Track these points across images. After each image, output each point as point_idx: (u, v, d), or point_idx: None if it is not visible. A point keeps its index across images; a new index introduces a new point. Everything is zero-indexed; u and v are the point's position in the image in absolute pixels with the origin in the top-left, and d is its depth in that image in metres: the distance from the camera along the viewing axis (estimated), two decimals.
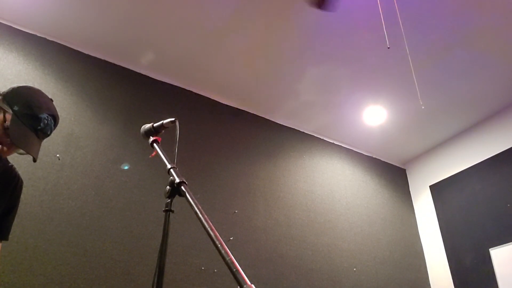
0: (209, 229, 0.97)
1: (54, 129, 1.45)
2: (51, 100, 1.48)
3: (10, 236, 1.53)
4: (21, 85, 1.43)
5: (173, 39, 3.16)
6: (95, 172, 2.82)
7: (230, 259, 0.87)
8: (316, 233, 3.60)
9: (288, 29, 3.09)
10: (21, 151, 1.35)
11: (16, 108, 1.33)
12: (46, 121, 1.38)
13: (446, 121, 4.08)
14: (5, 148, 1.34)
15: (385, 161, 4.66)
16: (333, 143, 4.32)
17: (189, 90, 3.60)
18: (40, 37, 3.05)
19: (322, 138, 4.27)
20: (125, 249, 2.67)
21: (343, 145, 4.37)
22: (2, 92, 1.38)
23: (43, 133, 1.39)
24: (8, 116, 1.32)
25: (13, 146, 1.34)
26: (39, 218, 2.47)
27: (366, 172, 4.38)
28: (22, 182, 1.56)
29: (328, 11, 2.79)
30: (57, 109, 1.49)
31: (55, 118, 1.44)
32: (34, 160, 1.35)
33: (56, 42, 3.10)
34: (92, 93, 3.09)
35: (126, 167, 2.95)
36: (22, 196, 1.57)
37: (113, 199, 2.79)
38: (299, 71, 3.46)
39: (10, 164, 1.52)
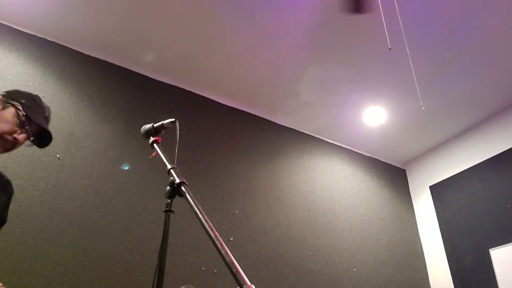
0: (209, 229, 0.97)
1: None
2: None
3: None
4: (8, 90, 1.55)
5: (173, 39, 3.16)
6: (95, 172, 2.82)
7: (230, 259, 0.87)
8: (316, 233, 3.60)
9: (288, 30, 3.09)
10: (28, 142, 1.45)
11: (23, 101, 1.45)
12: (48, 110, 1.55)
13: (446, 122, 4.08)
14: (20, 136, 1.40)
15: (385, 161, 4.65)
16: (333, 144, 4.32)
17: (189, 90, 3.60)
18: (40, 37, 3.05)
19: (322, 138, 4.27)
20: (125, 249, 2.67)
21: (343, 146, 4.37)
22: (2, 93, 1.46)
23: (47, 121, 1.54)
24: (19, 109, 1.42)
25: (24, 137, 1.43)
26: (39, 218, 2.47)
27: (366, 173, 4.38)
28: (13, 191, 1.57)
29: (364, 14, 2.75)
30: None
31: (49, 109, 1.59)
32: (50, 140, 1.47)
33: (56, 43, 3.10)
34: (92, 93, 3.09)
35: (126, 168, 2.95)
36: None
37: (113, 200, 2.79)
38: (299, 71, 3.46)
39: None
